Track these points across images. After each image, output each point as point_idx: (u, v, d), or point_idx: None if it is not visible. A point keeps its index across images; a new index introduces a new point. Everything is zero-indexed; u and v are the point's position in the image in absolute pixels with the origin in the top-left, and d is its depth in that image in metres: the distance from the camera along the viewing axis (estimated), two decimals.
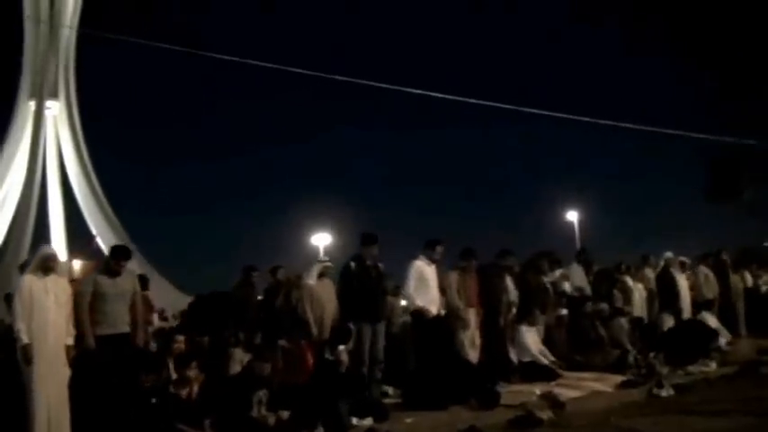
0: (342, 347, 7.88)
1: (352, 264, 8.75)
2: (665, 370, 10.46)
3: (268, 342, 9.33)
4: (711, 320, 13.60)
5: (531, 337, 10.59)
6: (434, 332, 9.22)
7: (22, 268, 7.86)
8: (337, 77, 16.37)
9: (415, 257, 9.51)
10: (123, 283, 7.59)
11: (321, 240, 42.34)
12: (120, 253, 7.65)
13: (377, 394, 8.54)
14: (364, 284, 8.62)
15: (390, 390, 9.33)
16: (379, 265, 8.97)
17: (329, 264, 9.88)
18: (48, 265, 7.26)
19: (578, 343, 11.49)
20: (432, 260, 9.49)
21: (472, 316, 9.93)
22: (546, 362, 10.41)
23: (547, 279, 12.99)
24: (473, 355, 9.91)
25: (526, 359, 10.41)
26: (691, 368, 10.68)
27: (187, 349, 8.56)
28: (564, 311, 11.65)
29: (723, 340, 13.32)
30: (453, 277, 9.86)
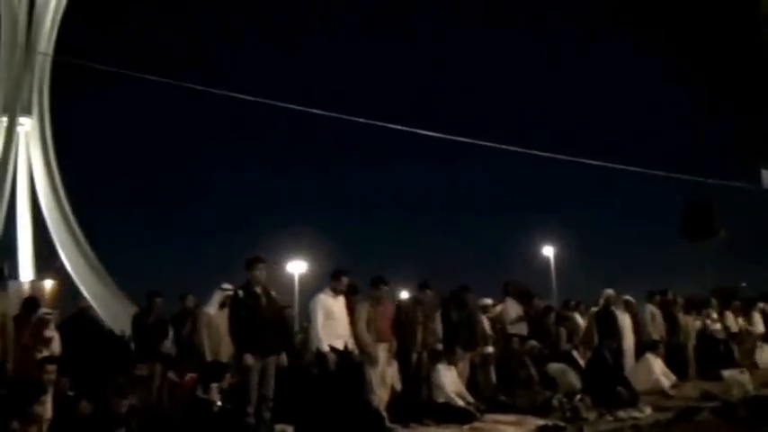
0: (215, 385, 7.13)
1: (240, 291, 8.05)
2: (591, 415, 9.77)
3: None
4: (656, 363, 12.95)
5: (450, 377, 9.88)
6: (339, 369, 8.50)
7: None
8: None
9: (320, 291, 8.87)
10: None
11: (296, 268, 41.51)
12: None
13: None
14: (253, 314, 7.90)
15: (290, 430, 8.59)
16: (273, 293, 8.26)
17: (231, 292, 9.16)
18: None
19: (506, 383, 10.79)
20: (336, 292, 8.82)
21: (383, 351, 9.22)
22: (461, 403, 9.69)
23: (488, 315, 12.37)
24: (383, 394, 9.20)
25: (440, 400, 9.69)
26: (621, 413, 10.00)
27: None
28: (490, 349, 10.96)
29: (666, 383, 12.67)
30: (362, 309, 9.17)
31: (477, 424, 9.21)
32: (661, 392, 12.34)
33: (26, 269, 54.95)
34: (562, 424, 9.15)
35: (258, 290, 8.05)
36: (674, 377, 13.01)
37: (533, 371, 11.39)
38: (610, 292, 13.06)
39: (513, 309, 12.02)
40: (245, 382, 7.77)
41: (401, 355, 9.59)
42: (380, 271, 9.83)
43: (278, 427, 8.43)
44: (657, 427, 9.55)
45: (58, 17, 54.88)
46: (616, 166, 22.83)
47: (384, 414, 9.14)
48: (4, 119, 54.06)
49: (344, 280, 8.95)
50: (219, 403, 7.05)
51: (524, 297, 12.25)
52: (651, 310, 13.81)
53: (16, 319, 8.72)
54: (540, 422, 9.25)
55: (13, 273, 48.52)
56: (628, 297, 13.81)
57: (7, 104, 53.77)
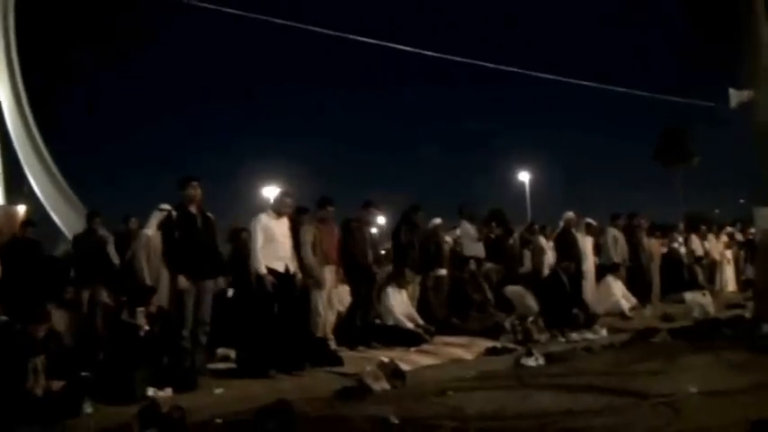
0: (140, 309, 6.80)
1: (173, 212, 7.61)
2: (543, 337, 9.63)
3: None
4: (616, 285, 12.85)
5: (399, 299, 9.65)
6: (278, 292, 8.18)
7: None
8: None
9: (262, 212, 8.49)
10: None
11: (272, 193, 40.81)
12: None
13: (199, 361, 7.48)
14: (187, 236, 7.49)
15: (232, 353, 8.34)
16: (209, 214, 7.84)
17: (171, 211, 8.71)
18: None
19: (459, 306, 10.61)
20: (279, 213, 8.42)
21: (329, 274, 8.92)
22: (410, 326, 9.49)
23: (447, 237, 12.09)
24: (329, 317, 8.96)
25: (390, 323, 9.49)
26: (574, 335, 9.89)
27: None
28: (443, 271, 10.72)
29: (626, 305, 12.60)
30: (307, 231, 8.81)
31: (425, 346, 9.03)
32: (621, 315, 12.30)
33: None
34: (512, 346, 8.98)
35: (193, 209, 7.62)
36: (634, 300, 12.94)
37: (489, 294, 11.23)
38: (569, 214, 12.81)
39: (468, 231, 11.72)
40: (179, 305, 7.43)
41: (348, 277, 9.33)
42: (356, 198, 9.60)
43: (219, 350, 8.21)
44: (611, 348, 9.41)
45: None
46: (596, 84, 22.37)
47: (331, 337, 8.97)
48: None
49: (288, 201, 8.54)
50: (147, 327, 6.72)
51: (480, 220, 11.96)
52: (614, 233, 13.59)
53: None
54: (490, 344, 9.09)
55: None
56: (589, 220, 13.57)
57: None
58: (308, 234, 8.80)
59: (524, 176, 51.83)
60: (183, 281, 7.32)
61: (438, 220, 12.10)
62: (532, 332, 9.54)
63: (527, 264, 13.38)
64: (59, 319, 7.53)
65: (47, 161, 55.78)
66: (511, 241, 13.32)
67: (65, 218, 51.33)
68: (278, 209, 8.46)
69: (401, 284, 9.75)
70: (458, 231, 12.36)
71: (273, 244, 8.33)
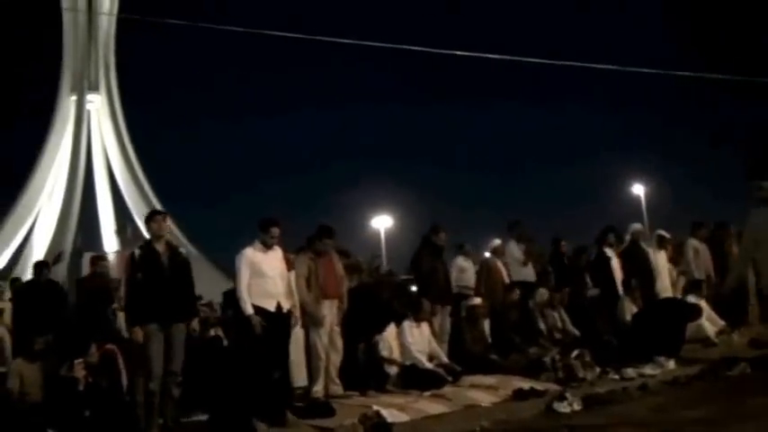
0: (78, 361, 6.06)
1: (136, 251, 6.88)
2: (590, 374, 8.17)
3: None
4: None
5: (417, 335, 8.48)
6: (271, 334, 7.27)
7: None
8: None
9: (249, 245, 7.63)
10: None
11: (382, 223, 39.88)
12: None
13: (170, 417, 6.64)
14: (152, 275, 6.72)
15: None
16: (181, 250, 7.07)
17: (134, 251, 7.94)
18: None
19: (499, 339, 9.30)
20: (266, 246, 7.54)
21: (328, 309, 7.91)
22: (429, 365, 8.29)
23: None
24: (334, 358, 7.93)
25: (407, 362, 8.33)
26: (630, 371, 8.33)
27: None
28: (477, 300, 9.46)
29: (712, 329, 10.77)
30: (301, 263, 7.87)
31: (446, 389, 7.81)
32: (705, 341, 10.51)
33: (110, 240, 56.71)
34: (541, 387, 7.60)
35: (159, 247, 6.87)
36: (722, 322, 11.07)
37: (542, 324, 9.85)
38: (637, 226, 11.23)
39: (513, 252, 10.40)
40: (144, 355, 6.65)
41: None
42: (471, 221, 8.82)
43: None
44: (673, 385, 7.83)
45: None
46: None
47: (337, 382, 7.93)
48: (74, 97, 55.47)
49: (274, 231, 7.64)
50: (90, 380, 5.97)
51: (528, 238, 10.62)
52: (694, 245, 11.80)
53: None
54: (521, 384, 7.75)
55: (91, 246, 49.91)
56: (661, 231, 11.83)
57: (75, 83, 55.09)
58: (301, 266, 7.85)
59: (639, 189, 48.72)
60: (137, 333, 6.54)
61: (497, 242, 10.95)
62: (576, 369, 8.10)
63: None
64: (30, 372, 6.90)
65: (153, 204, 58.30)
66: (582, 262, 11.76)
67: None
68: (265, 240, 7.58)
69: (419, 318, 8.58)
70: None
71: (262, 279, 7.44)
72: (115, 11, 54.24)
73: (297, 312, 7.64)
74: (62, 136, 55.34)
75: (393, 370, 8.46)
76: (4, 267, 43.67)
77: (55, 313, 8.08)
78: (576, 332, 10.08)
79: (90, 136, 56.93)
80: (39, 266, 9.09)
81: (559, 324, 10.33)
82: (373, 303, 8.53)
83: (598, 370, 8.30)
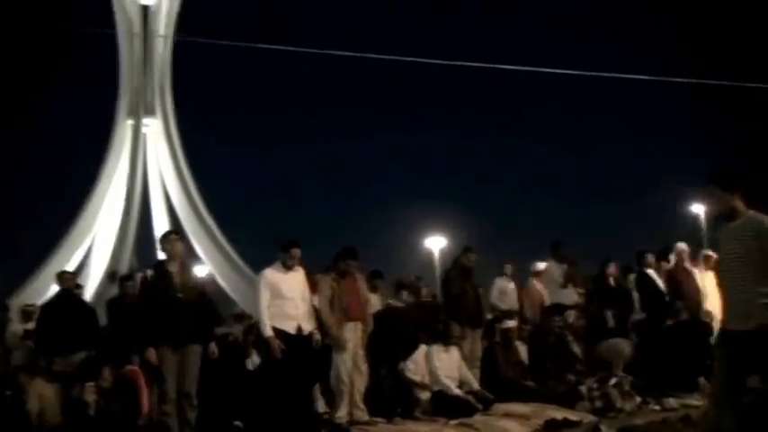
0: (89, 384, 5.96)
1: (149, 272, 6.80)
2: (628, 404, 7.70)
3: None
4: None
5: (445, 360, 8.14)
6: (291, 357, 7.08)
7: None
8: None
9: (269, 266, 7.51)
10: None
11: (436, 243, 39.06)
12: None
13: None
14: (164, 297, 6.61)
15: None
16: (193, 271, 6.96)
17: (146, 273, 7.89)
18: None
19: (538, 365, 8.88)
20: (287, 266, 7.39)
21: (351, 332, 7.66)
22: (457, 392, 7.93)
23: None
24: (358, 383, 7.66)
25: (435, 388, 8.00)
26: (671, 401, 7.83)
27: None
28: (511, 323, 9.08)
29: None
30: (324, 284, 7.66)
31: (476, 417, 7.46)
32: None
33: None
34: (576, 418, 7.18)
35: (173, 268, 6.76)
36: None
37: (577, 349, 9.40)
38: (681, 245, 10.61)
39: (554, 273, 10.00)
40: (158, 377, 6.53)
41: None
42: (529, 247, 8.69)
43: None
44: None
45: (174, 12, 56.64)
46: None
47: (362, 407, 7.66)
48: (130, 121, 56.95)
49: (295, 252, 7.47)
50: (99, 404, 5.86)
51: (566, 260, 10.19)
52: None
53: None
54: (555, 414, 7.34)
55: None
56: (708, 251, 11.19)
57: (131, 108, 56.60)
58: (324, 288, 7.64)
59: (698, 209, 47.14)
60: (151, 354, 6.43)
61: (541, 266, 10.62)
62: (614, 398, 7.65)
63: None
64: (50, 393, 6.84)
65: (209, 226, 59.28)
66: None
67: (231, 282, 54.19)
68: (285, 261, 7.42)
69: (448, 342, 8.24)
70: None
71: (281, 301, 7.29)
72: (171, 33, 55.53)
73: (318, 336, 7.45)
74: (119, 159, 56.90)
75: (425, 395, 8.18)
76: None
77: (81, 333, 8.02)
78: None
79: (146, 158, 58.31)
80: (61, 278, 8.99)
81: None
82: (398, 328, 8.24)
83: (638, 399, 7.82)
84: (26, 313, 9.24)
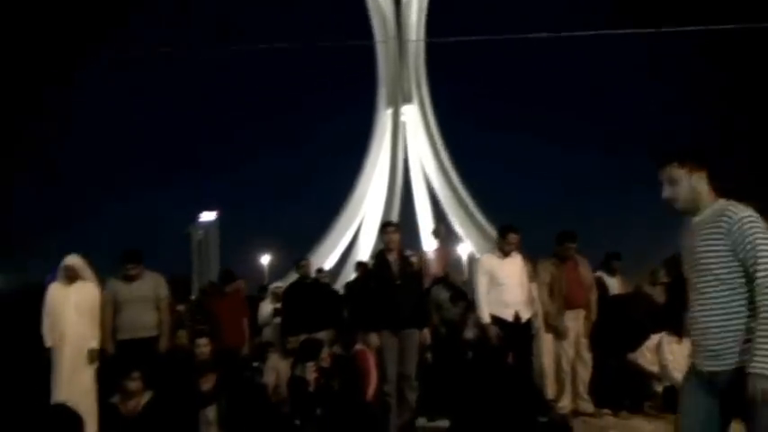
0: (310, 364, 6.46)
1: (370, 261, 7.18)
2: None
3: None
4: None
5: (678, 352, 7.44)
6: (504, 345, 7.08)
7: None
8: None
9: (485, 252, 7.54)
10: (141, 288, 7.34)
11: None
12: (126, 258, 7.39)
13: (404, 421, 6.79)
14: (383, 284, 6.94)
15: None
16: (413, 259, 7.21)
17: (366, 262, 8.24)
18: (68, 275, 7.33)
19: None
20: (504, 252, 7.36)
21: (572, 320, 7.40)
22: None
23: None
24: (582, 373, 7.41)
25: (666, 383, 7.42)
26: None
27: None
28: None
29: None
30: (544, 270, 7.47)
31: None
32: None
33: (428, 240, 60.13)
34: None
35: (391, 257, 7.09)
36: None
37: None
38: None
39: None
40: (381, 360, 6.91)
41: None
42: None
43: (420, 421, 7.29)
44: None
45: (424, 5, 58.65)
46: None
47: (586, 398, 7.40)
48: (389, 111, 60.17)
49: (512, 237, 7.39)
50: (321, 381, 6.38)
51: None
52: None
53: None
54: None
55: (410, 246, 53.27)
56: None
57: (390, 98, 59.72)
58: (543, 274, 7.47)
59: None
60: (373, 338, 6.82)
61: None
62: None
63: None
64: (285, 368, 7.58)
65: (467, 206, 60.59)
66: None
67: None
68: (502, 247, 7.40)
69: (681, 333, 7.56)
70: None
71: (499, 288, 7.29)
72: (422, 35, 57.58)
73: (538, 322, 7.35)
74: (381, 146, 60.52)
75: (660, 387, 7.66)
76: (333, 268, 49.00)
77: (320, 314, 8.70)
78: None
79: (406, 145, 61.25)
80: (299, 267, 9.49)
81: None
82: (625, 319, 7.76)
83: None
84: (275, 294, 10.30)
